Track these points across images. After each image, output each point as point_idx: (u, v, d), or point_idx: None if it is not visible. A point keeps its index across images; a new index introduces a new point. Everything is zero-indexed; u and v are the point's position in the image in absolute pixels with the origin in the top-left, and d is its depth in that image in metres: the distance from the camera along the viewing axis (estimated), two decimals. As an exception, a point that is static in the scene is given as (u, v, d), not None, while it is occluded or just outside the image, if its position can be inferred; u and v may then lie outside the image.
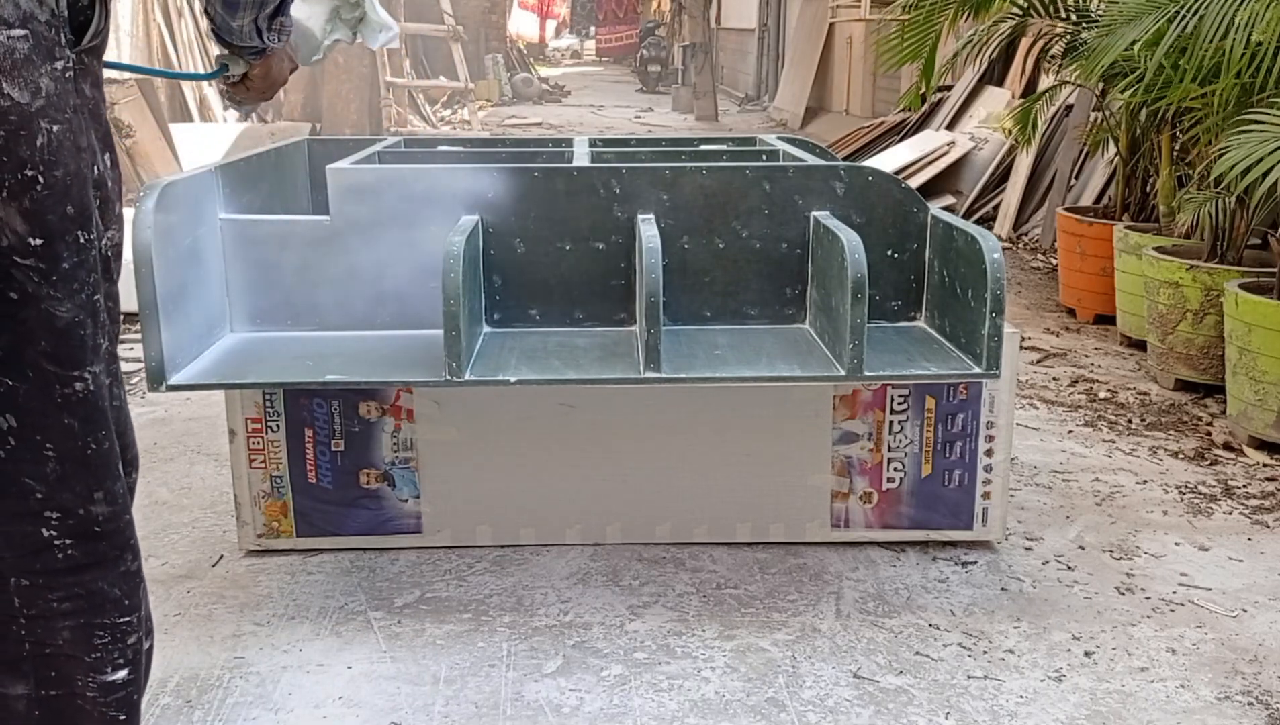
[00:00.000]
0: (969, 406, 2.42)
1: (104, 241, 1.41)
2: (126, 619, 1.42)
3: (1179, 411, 3.50)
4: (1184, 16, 3.27)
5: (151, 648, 1.54)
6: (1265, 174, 2.77)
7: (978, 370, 2.04)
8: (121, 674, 1.43)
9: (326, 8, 2.21)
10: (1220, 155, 2.95)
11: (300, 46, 2.19)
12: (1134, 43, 3.41)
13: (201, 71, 2.06)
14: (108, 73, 1.58)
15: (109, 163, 1.42)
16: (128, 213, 1.64)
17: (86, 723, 1.43)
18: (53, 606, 1.38)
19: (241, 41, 1.70)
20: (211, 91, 8.65)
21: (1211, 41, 3.18)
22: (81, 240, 1.30)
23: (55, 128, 1.25)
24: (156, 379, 1.92)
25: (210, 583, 2.36)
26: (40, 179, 1.24)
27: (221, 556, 2.47)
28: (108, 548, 1.40)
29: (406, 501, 2.44)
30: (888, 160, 6.92)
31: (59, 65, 1.26)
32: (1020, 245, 6.06)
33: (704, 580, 2.37)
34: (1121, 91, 3.94)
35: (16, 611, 1.39)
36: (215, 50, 1.79)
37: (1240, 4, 3.14)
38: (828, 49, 12.10)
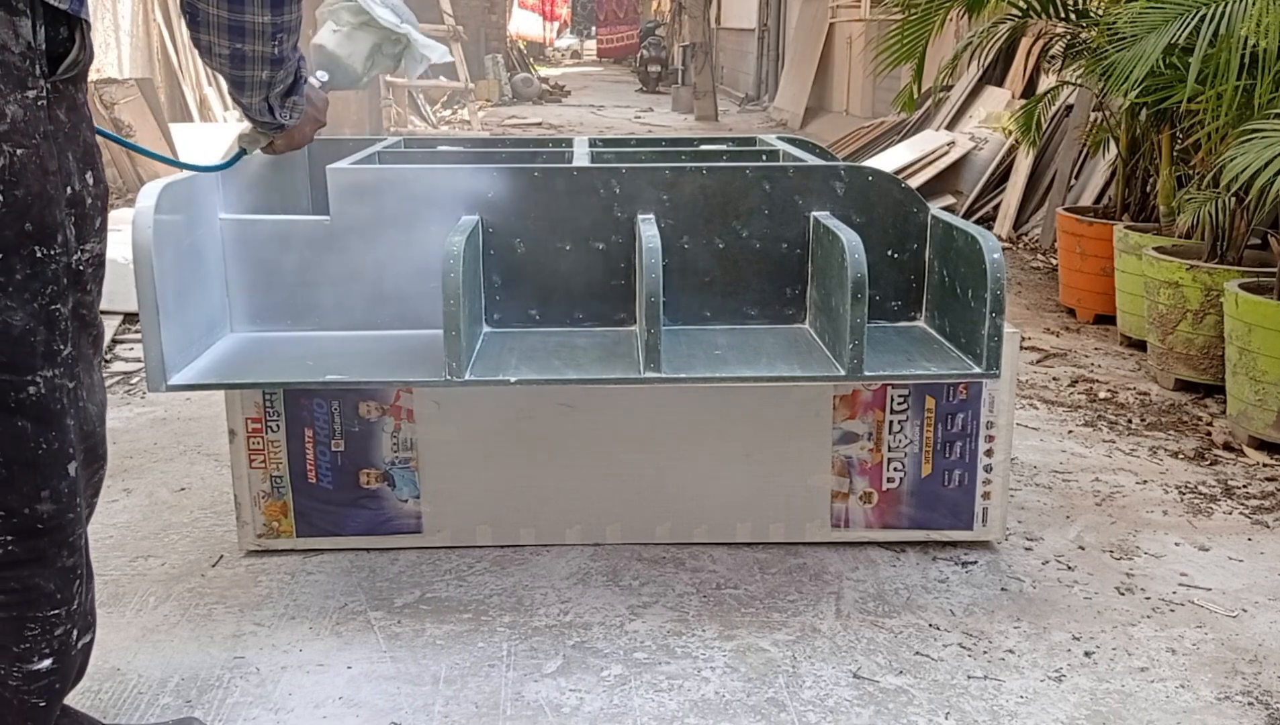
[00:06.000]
0: (969, 406, 2.42)
1: (77, 255, 1.48)
2: (57, 612, 1.47)
3: (1179, 411, 3.50)
4: (1212, 20, 3.26)
5: (90, 643, 1.58)
6: (1275, 176, 2.79)
7: (978, 370, 2.05)
8: (46, 663, 1.48)
9: (367, 46, 2.24)
10: (1229, 160, 2.97)
11: (339, 81, 2.23)
12: (1171, 48, 3.41)
13: (219, 163, 2.14)
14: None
15: (91, 180, 1.50)
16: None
17: (5, 710, 1.48)
18: None
19: (258, 117, 1.82)
20: (212, 92, 8.65)
21: (1236, 43, 3.19)
22: (39, 254, 1.36)
23: (19, 151, 1.31)
24: (156, 379, 1.92)
25: (210, 583, 2.36)
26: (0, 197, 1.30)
27: (221, 556, 2.47)
28: (48, 544, 1.45)
29: (406, 501, 2.44)
30: (888, 160, 6.92)
31: (30, 94, 1.32)
32: (1020, 245, 6.06)
33: (704, 580, 2.37)
34: (1126, 94, 3.93)
35: None
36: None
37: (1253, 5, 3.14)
38: (828, 49, 12.10)
